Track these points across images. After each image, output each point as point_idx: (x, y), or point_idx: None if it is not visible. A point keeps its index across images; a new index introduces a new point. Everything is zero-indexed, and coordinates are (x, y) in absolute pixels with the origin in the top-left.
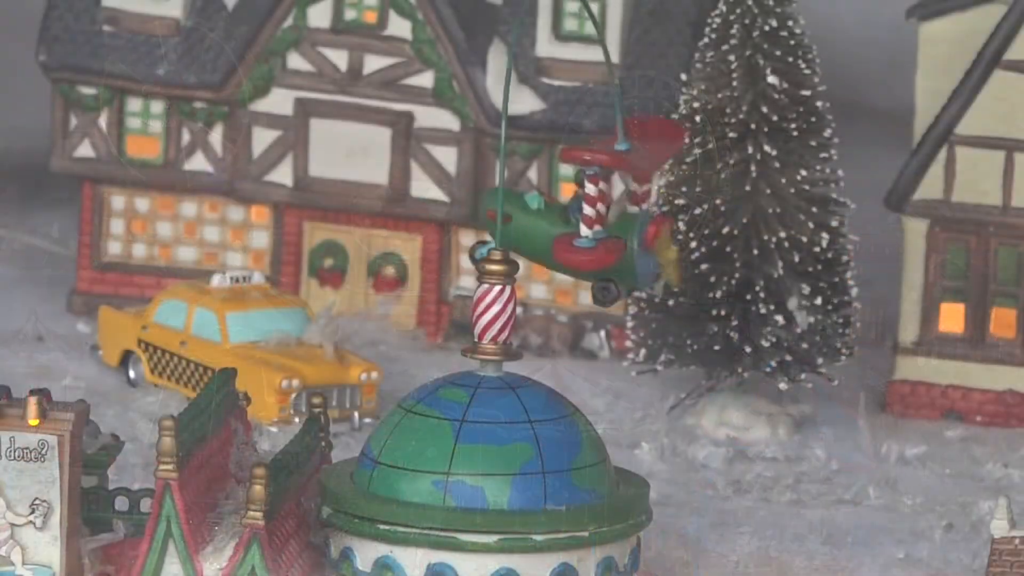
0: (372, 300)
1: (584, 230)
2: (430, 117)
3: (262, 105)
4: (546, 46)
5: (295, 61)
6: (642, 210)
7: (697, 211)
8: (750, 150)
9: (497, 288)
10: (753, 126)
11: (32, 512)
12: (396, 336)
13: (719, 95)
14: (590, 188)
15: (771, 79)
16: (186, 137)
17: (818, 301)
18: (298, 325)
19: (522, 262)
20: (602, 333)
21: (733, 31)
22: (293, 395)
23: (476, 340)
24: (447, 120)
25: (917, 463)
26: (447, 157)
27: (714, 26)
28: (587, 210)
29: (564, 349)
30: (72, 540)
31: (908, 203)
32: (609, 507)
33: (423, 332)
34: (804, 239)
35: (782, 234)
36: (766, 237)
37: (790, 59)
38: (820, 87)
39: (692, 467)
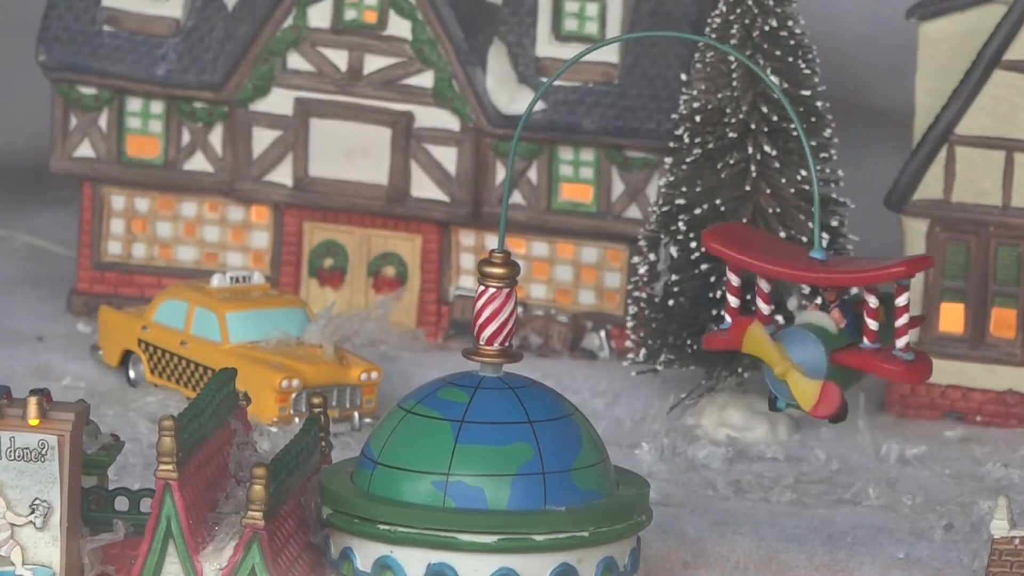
0: (372, 300)
1: (727, 317)
2: (430, 117)
3: (262, 105)
4: (546, 46)
5: (295, 61)
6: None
7: (697, 211)
8: (750, 150)
9: (498, 291)
10: (753, 126)
11: (32, 512)
12: (396, 336)
13: (719, 95)
14: (731, 277)
15: (771, 79)
16: (186, 137)
17: (818, 301)
18: (298, 325)
19: (523, 264)
20: (602, 333)
21: (733, 31)
22: (293, 395)
23: (477, 343)
24: (447, 120)
25: (917, 463)
26: (447, 157)
27: (714, 26)
28: (728, 297)
29: (564, 349)
30: (72, 540)
31: (908, 203)
32: (609, 507)
33: (423, 332)
34: (804, 239)
35: (782, 234)
36: None
37: (790, 59)
38: (820, 87)
39: (692, 467)
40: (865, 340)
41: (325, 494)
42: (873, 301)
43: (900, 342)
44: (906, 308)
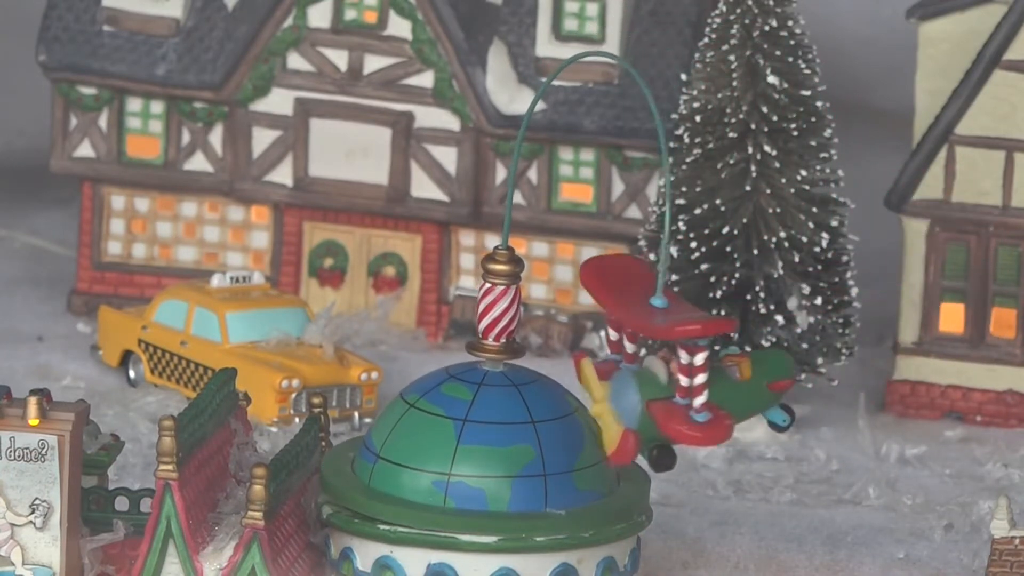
0: (372, 300)
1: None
2: (430, 117)
3: (262, 105)
4: (546, 46)
5: (295, 61)
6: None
7: (697, 211)
8: (750, 150)
9: (501, 288)
10: (753, 126)
11: (32, 512)
12: (396, 336)
13: (719, 95)
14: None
15: (771, 79)
16: (186, 137)
17: (818, 301)
18: (298, 325)
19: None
20: (602, 333)
21: (733, 31)
22: (293, 395)
23: (480, 339)
24: (447, 120)
25: (917, 463)
26: (447, 157)
27: (714, 26)
28: (608, 330)
29: (564, 349)
30: (72, 540)
31: (908, 203)
32: (609, 507)
33: (423, 332)
34: (804, 239)
35: (782, 234)
36: (766, 237)
37: (790, 59)
38: (820, 87)
39: (692, 467)
40: (676, 396)
41: (325, 485)
42: (684, 357)
43: (696, 401)
44: (703, 367)
